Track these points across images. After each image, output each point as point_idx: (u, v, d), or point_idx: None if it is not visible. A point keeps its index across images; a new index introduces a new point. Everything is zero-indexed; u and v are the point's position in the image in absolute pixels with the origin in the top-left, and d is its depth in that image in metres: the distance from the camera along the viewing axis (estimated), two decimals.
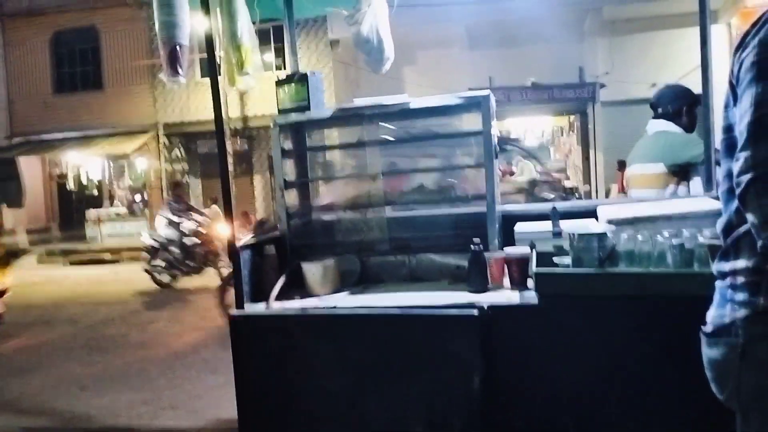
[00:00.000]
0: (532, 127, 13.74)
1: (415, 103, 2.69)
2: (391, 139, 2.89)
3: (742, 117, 1.22)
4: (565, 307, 2.05)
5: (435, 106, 2.73)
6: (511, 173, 9.66)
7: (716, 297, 1.37)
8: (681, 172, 3.21)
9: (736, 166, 1.21)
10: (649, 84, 10.39)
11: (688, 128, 3.35)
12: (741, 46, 1.28)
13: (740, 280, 1.29)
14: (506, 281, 2.39)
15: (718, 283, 1.37)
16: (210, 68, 2.53)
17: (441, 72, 12.81)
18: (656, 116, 3.42)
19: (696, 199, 2.69)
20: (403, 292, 2.52)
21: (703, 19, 2.78)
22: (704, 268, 1.91)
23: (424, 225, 2.85)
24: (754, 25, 1.27)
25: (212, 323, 6.80)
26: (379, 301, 2.42)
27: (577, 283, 2.05)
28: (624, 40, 13.03)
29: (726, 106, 1.36)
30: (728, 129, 1.34)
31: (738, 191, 1.21)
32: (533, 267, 2.17)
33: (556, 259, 2.24)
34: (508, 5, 10.94)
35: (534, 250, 2.34)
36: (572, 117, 13.44)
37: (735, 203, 1.28)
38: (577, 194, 10.62)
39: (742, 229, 1.29)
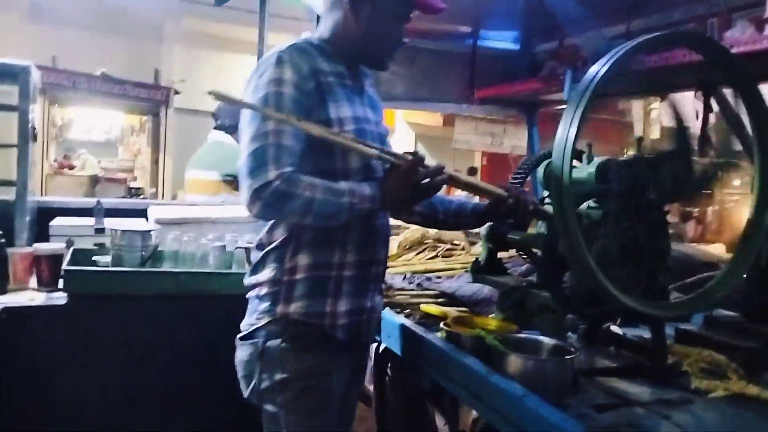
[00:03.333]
0: (100, 120, 12.86)
1: None
2: None
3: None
4: (100, 308, 1.94)
5: None
6: (71, 167, 8.80)
7: (249, 307, 1.51)
8: (234, 182, 3.42)
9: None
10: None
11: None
12: None
13: (264, 290, 1.44)
14: (34, 281, 2.09)
15: (250, 295, 1.51)
16: None
17: None
18: (216, 127, 3.57)
19: (241, 206, 2.89)
20: None
21: (261, 48, 3.07)
22: (241, 269, 2.04)
23: None
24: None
25: None
26: None
27: (114, 282, 1.95)
28: (201, 54, 13.36)
29: None
30: None
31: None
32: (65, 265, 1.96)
33: (96, 258, 2.10)
34: None
35: (71, 247, 2.12)
36: (144, 117, 13.07)
37: (267, 225, 1.46)
38: (142, 195, 10.34)
39: (272, 244, 1.44)
